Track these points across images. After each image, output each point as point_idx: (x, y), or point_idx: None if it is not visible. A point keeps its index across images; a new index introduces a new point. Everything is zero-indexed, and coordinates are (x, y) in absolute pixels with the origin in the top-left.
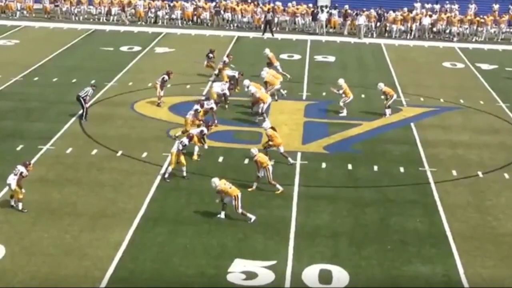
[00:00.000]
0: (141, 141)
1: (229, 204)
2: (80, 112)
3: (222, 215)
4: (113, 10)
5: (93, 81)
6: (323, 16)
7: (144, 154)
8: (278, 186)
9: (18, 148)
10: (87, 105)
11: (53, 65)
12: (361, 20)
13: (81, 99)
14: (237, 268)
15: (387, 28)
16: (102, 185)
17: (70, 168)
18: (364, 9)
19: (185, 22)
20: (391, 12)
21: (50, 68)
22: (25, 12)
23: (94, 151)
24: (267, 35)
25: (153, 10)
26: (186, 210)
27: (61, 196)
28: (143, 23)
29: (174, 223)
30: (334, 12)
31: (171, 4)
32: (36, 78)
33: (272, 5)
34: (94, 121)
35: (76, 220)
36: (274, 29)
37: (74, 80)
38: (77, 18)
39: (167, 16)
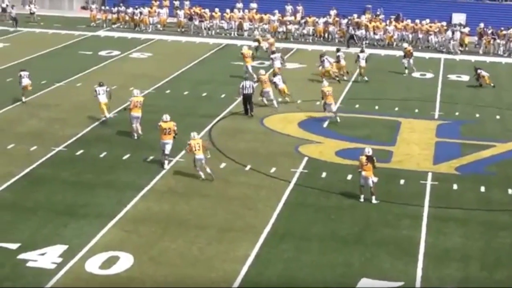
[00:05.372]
0: (270, 156)
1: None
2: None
3: (362, 198)
4: (244, 25)
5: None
6: (456, 35)
7: (273, 169)
8: (201, 173)
9: (148, 160)
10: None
11: (185, 78)
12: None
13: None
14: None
15: None
16: (230, 198)
17: (199, 181)
18: (502, 28)
19: (316, 38)
20: None
21: (181, 81)
22: (158, 26)
23: (223, 165)
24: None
25: (284, 26)
26: (313, 227)
27: (189, 208)
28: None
29: (301, 240)
30: (465, 30)
31: (303, 21)
32: (167, 91)
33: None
34: (223, 134)
35: (203, 233)
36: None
37: (204, 94)
38: (209, 32)
39: (298, 32)
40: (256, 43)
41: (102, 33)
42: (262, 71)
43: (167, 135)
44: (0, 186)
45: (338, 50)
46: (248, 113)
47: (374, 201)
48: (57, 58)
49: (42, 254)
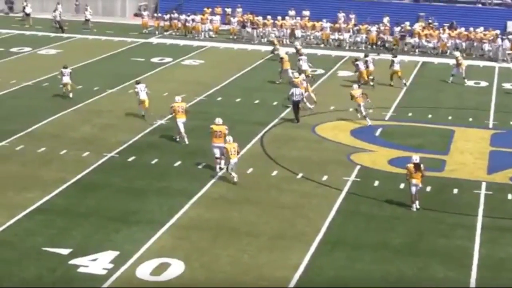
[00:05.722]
0: (322, 164)
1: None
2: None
3: (414, 207)
4: (296, 33)
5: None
6: (505, 43)
7: (324, 178)
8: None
9: (200, 166)
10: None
11: (236, 85)
12: None
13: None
14: None
15: None
16: (281, 206)
17: (250, 188)
18: None
19: (369, 47)
20: None
21: (233, 88)
22: (211, 33)
23: (275, 172)
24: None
25: (336, 34)
26: (365, 236)
27: (240, 215)
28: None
29: (353, 248)
30: None
31: (355, 28)
32: (219, 98)
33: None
34: (275, 142)
35: (255, 240)
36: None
37: (256, 101)
38: (261, 40)
39: (350, 40)
40: (272, 46)
41: (154, 40)
42: (296, 74)
43: (219, 138)
44: (53, 192)
45: (366, 56)
46: (299, 120)
47: (415, 208)
48: (109, 65)
49: (94, 260)
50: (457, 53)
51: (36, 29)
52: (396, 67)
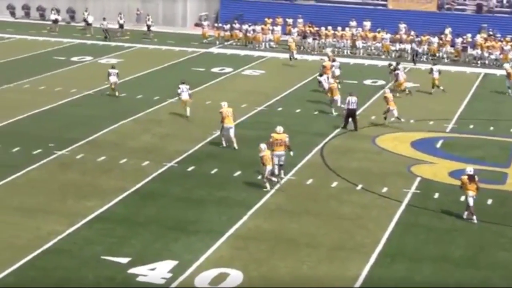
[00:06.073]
0: (382, 175)
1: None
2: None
3: (475, 219)
4: (357, 44)
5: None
6: None
7: (384, 189)
8: (267, 184)
9: (259, 177)
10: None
11: (297, 96)
12: None
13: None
14: None
15: None
16: (341, 217)
17: (309, 199)
18: None
19: (430, 58)
20: None
21: (293, 99)
22: (272, 43)
23: (334, 183)
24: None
25: (397, 45)
26: (425, 248)
27: (299, 226)
28: (383, 56)
29: (412, 260)
30: None
31: (417, 39)
32: (279, 108)
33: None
34: (335, 153)
35: (314, 251)
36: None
37: (316, 112)
38: (322, 50)
39: (411, 51)
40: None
41: (214, 50)
42: (331, 80)
43: (279, 147)
44: (112, 201)
45: (398, 64)
46: (345, 127)
47: (475, 220)
48: (170, 74)
49: (152, 269)
50: (507, 65)
51: (97, 38)
52: (435, 75)
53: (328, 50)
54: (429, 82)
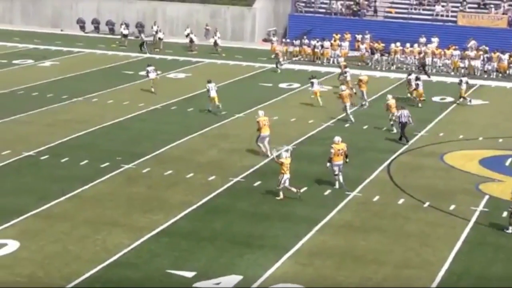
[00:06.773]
0: (449, 193)
1: None
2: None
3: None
4: (427, 60)
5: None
6: None
7: (452, 207)
8: (281, 193)
9: (326, 193)
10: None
11: (364, 112)
12: None
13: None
14: None
15: None
16: (407, 235)
17: (376, 216)
18: None
19: (500, 75)
20: None
21: (360, 115)
22: (340, 59)
23: (401, 201)
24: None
25: (466, 61)
26: (493, 267)
27: (365, 243)
28: (452, 73)
29: (479, 279)
30: None
31: (486, 56)
32: (346, 125)
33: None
34: (402, 170)
35: (380, 269)
36: None
37: (384, 128)
38: (390, 67)
39: (481, 68)
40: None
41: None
42: (342, 87)
43: (339, 157)
44: (178, 215)
45: (417, 79)
46: (402, 140)
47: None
48: (237, 89)
49: (217, 284)
50: None
51: (166, 53)
52: (463, 86)
53: (341, 60)
54: (498, 100)
